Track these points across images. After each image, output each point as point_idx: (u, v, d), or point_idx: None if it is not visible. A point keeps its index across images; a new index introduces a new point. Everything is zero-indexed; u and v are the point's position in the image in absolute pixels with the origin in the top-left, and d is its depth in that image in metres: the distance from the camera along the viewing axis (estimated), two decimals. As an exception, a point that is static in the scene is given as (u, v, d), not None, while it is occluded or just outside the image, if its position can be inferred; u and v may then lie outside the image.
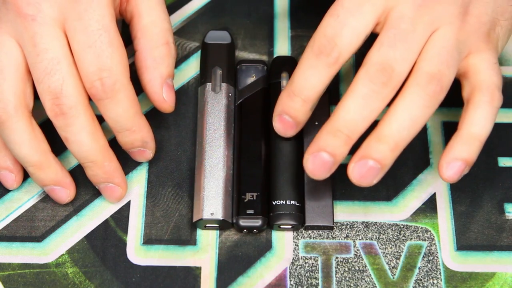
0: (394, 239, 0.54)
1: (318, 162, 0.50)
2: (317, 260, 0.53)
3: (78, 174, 0.55)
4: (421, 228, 0.54)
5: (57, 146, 0.53)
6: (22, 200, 0.55)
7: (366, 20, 0.49)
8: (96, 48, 0.50)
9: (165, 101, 0.55)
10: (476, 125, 0.50)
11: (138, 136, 0.53)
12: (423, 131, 0.58)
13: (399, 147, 0.49)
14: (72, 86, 0.50)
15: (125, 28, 0.57)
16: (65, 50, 0.50)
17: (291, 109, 0.51)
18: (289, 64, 0.59)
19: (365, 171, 0.49)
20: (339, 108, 0.49)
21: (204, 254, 0.53)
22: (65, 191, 0.54)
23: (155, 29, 0.54)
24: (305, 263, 0.53)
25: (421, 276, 0.53)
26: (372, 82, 0.48)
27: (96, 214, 0.55)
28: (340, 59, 0.49)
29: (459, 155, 0.50)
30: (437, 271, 0.53)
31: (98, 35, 0.50)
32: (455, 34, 0.50)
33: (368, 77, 0.49)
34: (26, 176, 0.55)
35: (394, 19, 0.49)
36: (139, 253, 0.53)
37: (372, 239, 0.54)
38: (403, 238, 0.54)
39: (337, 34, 0.49)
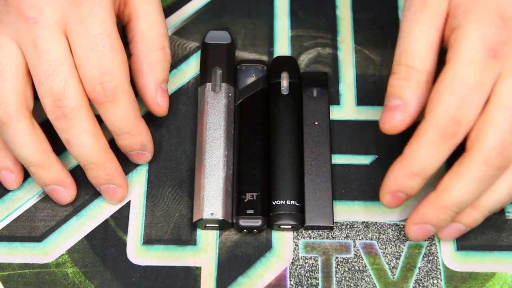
0: (394, 239, 0.54)
1: (422, 232, 0.51)
2: (317, 260, 0.53)
3: (78, 174, 0.55)
4: (421, 228, 0.54)
5: (56, 146, 0.53)
6: (22, 200, 0.55)
7: (486, 93, 0.48)
8: (98, 52, 0.50)
9: (159, 105, 0.55)
10: None
11: (138, 140, 0.53)
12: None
13: (489, 214, 0.51)
14: (74, 88, 0.50)
15: (125, 32, 0.57)
16: (66, 53, 0.50)
17: (408, 188, 0.50)
18: (289, 64, 0.59)
19: (454, 232, 0.52)
20: (450, 187, 0.49)
21: (204, 254, 0.53)
22: (67, 191, 0.54)
23: (151, 34, 0.55)
24: (305, 263, 0.53)
25: (421, 276, 0.53)
26: (490, 167, 0.48)
27: (96, 214, 0.55)
28: (463, 135, 0.48)
29: None
30: (437, 271, 0.53)
31: (100, 39, 0.50)
32: None
33: (486, 162, 0.48)
34: (26, 176, 0.55)
35: (507, 98, 0.48)
36: (139, 253, 0.53)
37: (372, 239, 0.54)
38: (403, 238, 0.54)
39: (462, 115, 0.48)
